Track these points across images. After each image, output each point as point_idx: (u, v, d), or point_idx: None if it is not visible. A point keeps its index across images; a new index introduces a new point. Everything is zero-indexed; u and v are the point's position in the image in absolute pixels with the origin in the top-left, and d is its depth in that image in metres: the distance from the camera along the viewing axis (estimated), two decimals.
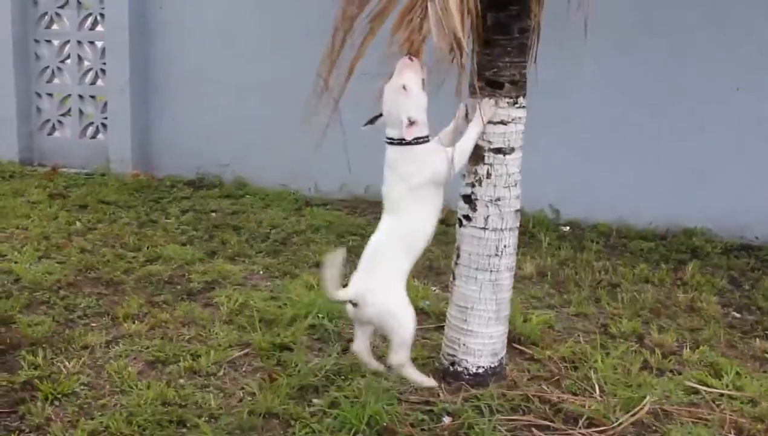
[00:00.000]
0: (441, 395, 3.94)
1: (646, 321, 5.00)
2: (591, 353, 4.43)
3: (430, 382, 3.88)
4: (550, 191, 7.02)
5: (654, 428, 3.79)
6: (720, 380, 4.22)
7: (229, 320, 4.75)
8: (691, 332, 4.89)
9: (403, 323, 3.66)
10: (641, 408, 3.85)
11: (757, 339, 4.82)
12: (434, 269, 5.80)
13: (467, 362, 4.05)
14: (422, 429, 3.63)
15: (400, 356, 3.71)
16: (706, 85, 6.62)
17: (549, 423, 3.76)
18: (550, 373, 4.25)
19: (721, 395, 4.10)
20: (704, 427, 3.80)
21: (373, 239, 3.72)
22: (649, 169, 6.84)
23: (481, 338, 4.01)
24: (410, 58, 3.56)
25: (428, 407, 3.80)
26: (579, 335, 4.71)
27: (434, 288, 5.40)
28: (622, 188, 6.92)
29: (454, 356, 4.08)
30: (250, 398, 3.88)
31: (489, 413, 3.75)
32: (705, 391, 4.12)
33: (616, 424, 3.75)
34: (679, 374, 4.32)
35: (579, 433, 3.70)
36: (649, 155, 6.82)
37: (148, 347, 4.37)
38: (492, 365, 4.06)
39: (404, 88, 3.53)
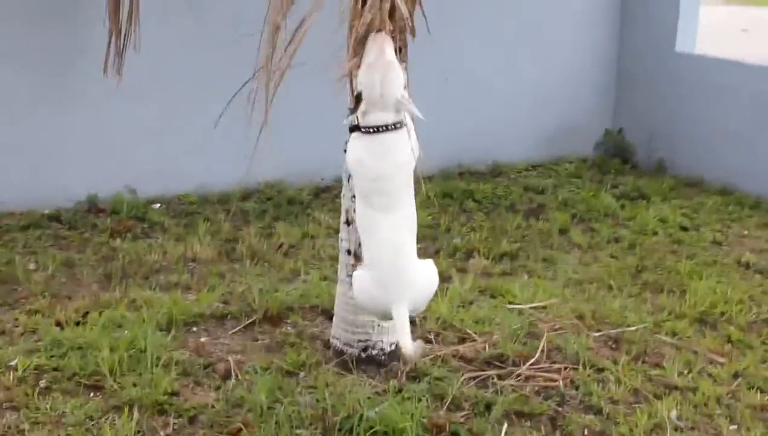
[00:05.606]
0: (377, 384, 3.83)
1: None
2: None
3: None
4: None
5: (550, 346, 4.27)
6: (519, 296, 4.82)
7: (47, 388, 3.68)
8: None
9: None
10: (545, 336, 4.31)
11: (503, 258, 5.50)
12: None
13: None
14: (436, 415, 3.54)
15: None
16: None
17: (496, 372, 3.99)
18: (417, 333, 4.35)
19: (535, 308, 4.72)
20: (571, 334, 4.41)
21: (385, 250, 3.30)
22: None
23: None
24: (386, 33, 3.25)
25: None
26: None
27: None
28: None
29: (367, 340, 3.96)
30: None
31: (454, 383, 3.82)
32: (526, 310, 4.69)
33: (537, 356, 4.13)
34: (487, 300, 4.78)
35: (527, 370, 4.01)
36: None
37: None
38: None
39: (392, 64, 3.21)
